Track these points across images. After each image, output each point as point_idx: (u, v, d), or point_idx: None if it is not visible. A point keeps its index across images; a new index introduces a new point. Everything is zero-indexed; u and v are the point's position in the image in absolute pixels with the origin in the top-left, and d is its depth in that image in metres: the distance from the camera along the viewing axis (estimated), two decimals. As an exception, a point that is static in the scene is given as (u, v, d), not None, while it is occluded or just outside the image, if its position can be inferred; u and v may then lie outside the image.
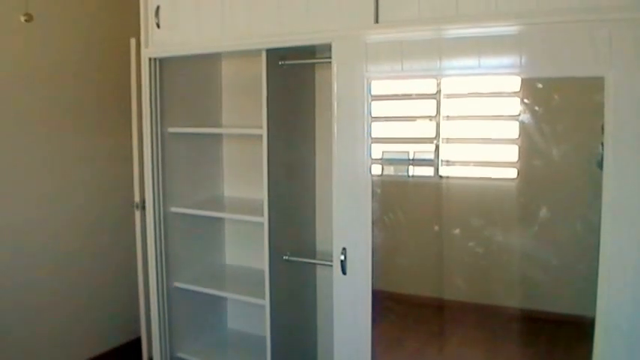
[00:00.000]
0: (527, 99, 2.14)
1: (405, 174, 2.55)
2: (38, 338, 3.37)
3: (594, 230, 1.95)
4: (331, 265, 2.42)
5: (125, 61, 3.09)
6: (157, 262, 2.95)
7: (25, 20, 2.63)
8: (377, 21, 2.24)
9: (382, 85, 2.30)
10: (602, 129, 1.96)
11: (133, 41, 3.03)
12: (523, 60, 2.02)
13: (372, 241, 2.32)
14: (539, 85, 2.15)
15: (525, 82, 2.15)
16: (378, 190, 2.34)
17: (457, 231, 2.48)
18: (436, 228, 2.53)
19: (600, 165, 2.00)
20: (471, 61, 2.11)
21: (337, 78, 2.34)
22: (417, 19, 2.17)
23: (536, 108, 2.16)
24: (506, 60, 2.06)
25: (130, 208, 3.22)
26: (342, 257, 2.35)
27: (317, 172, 3.04)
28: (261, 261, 2.74)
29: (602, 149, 1.98)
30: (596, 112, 1.96)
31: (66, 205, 3.52)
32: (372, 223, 2.32)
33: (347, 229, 2.36)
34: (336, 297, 2.42)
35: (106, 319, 3.79)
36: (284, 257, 2.77)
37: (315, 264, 3.01)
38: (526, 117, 2.17)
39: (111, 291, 3.80)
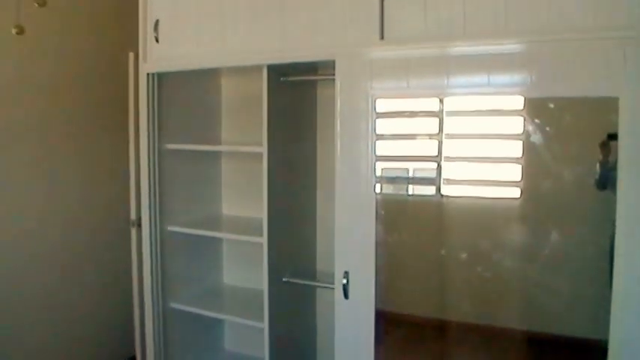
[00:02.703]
0: (532, 118, 2.11)
1: (405, 192, 2.50)
2: (29, 356, 3.30)
3: (599, 249, 1.97)
4: (333, 288, 2.36)
5: (123, 75, 3.04)
6: (152, 281, 2.89)
7: (17, 33, 2.57)
8: (382, 37, 2.20)
9: (384, 103, 2.25)
10: (600, 148, 1.96)
11: (131, 55, 2.98)
12: (533, 79, 1.98)
13: (376, 263, 2.26)
14: (551, 105, 2.10)
15: (529, 101, 2.10)
16: (379, 209, 2.28)
17: (460, 250, 2.45)
18: (439, 247, 2.50)
19: (598, 185, 2.00)
20: (479, 80, 2.07)
21: (341, 95, 2.29)
22: (423, 35, 2.13)
23: (541, 127, 2.12)
24: (515, 78, 2.02)
25: (127, 225, 3.15)
26: (345, 281, 2.29)
27: (318, 190, 3.00)
28: (259, 281, 2.68)
29: (599, 168, 1.99)
30: (602, 131, 1.94)
31: (61, 221, 3.47)
32: (376, 244, 2.26)
33: (349, 252, 2.31)
34: (337, 321, 2.36)
35: (99, 337, 3.73)
36: (283, 279, 2.71)
37: (315, 286, 2.96)
38: (530, 136, 2.13)
39: (105, 309, 3.75)
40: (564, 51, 1.93)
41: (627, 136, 1.85)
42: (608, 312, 1.89)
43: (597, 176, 2.02)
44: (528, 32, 1.97)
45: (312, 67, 2.74)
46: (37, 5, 2.56)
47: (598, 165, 2.00)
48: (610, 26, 1.85)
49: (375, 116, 2.23)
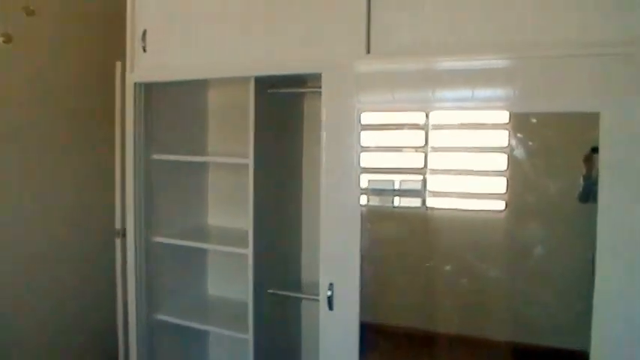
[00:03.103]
0: (517, 131, 2.12)
1: (391, 204, 2.51)
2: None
3: (583, 262, 1.96)
4: (318, 300, 2.36)
5: (110, 84, 3.03)
6: (137, 292, 2.86)
7: (3, 41, 2.57)
8: (368, 51, 2.21)
9: (371, 115, 2.27)
10: (584, 161, 1.98)
11: (118, 65, 2.98)
12: (517, 93, 2.00)
13: (361, 275, 2.27)
14: (534, 120, 2.12)
15: (515, 115, 2.12)
16: (365, 221, 2.29)
17: (445, 262, 2.45)
18: (424, 259, 2.50)
19: (581, 198, 2.02)
20: (463, 94, 2.09)
21: (327, 108, 2.30)
22: (409, 50, 2.15)
23: (526, 140, 2.14)
24: (499, 93, 2.04)
25: (112, 234, 3.14)
26: (329, 293, 2.29)
27: (304, 202, 3.00)
28: (245, 292, 2.67)
29: (583, 181, 2.00)
30: (586, 145, 1.96)
31: (46, 230, 3.45)
32: (361, 256, 2.27)
33: (334, 263, 2.31)
34: (322, 333, 2.36)
35: (83, 349, 3.70)
36: (269, 290, 2.70)
37: (300, 298, 2.95)
38: (515, 149, 2.15)
39: (89, 321, 3.72)
40: (547, 67, 1.95)
41: (607, 150, 1.87)
42: (590, 323, 1.92)
43: (581, 189, 2.03)
44: (512, 48, 1.99)
45: (299, 79, 2.74)
46: (25, 14, 2.56)
47: (582, 178, 2.02)
48: (593, 43, 1.88)
49: (360, 128, 2.24)
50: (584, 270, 1.96)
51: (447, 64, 2.10)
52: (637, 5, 1.83)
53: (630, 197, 1.86)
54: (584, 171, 2.00)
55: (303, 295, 2.89)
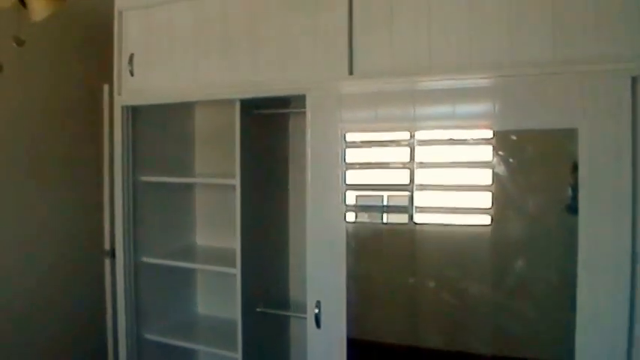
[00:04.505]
0: (501, 146, 2.15)
1: (379, 220, 2.53)
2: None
3: (569, 275, 1.98)
4: (305, 318, 2.38)
5: (98, 107, 3.05)
6: (126, 312, 2.88)
7: (-4, 71, 2.57)
8: (351, 72, 2.26)
9: (355, 134, 2.31)
10: (572, 170, 1.99)
11: (106, 88, 3.01)
12: (497, 112, 2.05)
13: (347, 292, 2.30)
14: (513, 137, 2.15)
15: (498, 131, 2.15)
16: (353, 238, 2.32)
17: (432, 277, 2.46)
18: (411, 274, 2.51)
19: (569, 209, 2.02)
20: (445, 113, 2.14)
21: (311, 128, 2.34)
22: (391, 70, 2.19)
23: (510, 156, 2.17)
24: (480, 111, 2.10)
25: (100, 255, 3.15)
26: (317, 310, 2.32)
27: (290, 220, 3.03)
28: (234, 311, 2.69)
29: (571, 191, 2.01)
30: (569, 159, 1.99)
31: (33, 253, 3.44)
32: (347, 273, 2.30)
33: (321, 281, 2.34)
34: (310, 351, 2.38)
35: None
36: (257, 309, 2.73)
37: (288, 316, 2.97)
38: (500, 164, 2.17)
39: (79, 340, 3.70)
40: (526, 85, 2.00)
41: (586, 165, 1.92)
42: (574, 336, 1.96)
43: (569, 200, 2.04)
44: (491, 67, 2.04)
45: (284, 100, 2.79)
46: (15, 45, 2.56)
47: (570, 189, 2.03)
48: (569, 60, 1.93)
49: (345, 146, 2.29)
50: (569, 283, 1.98)
51: (428, 84, 2.15)
52: (610, 24, 1.89)
53: (609, 211, 1.90)
54: (571, 182, 2.01)
55: (291, 314, 2.92)
